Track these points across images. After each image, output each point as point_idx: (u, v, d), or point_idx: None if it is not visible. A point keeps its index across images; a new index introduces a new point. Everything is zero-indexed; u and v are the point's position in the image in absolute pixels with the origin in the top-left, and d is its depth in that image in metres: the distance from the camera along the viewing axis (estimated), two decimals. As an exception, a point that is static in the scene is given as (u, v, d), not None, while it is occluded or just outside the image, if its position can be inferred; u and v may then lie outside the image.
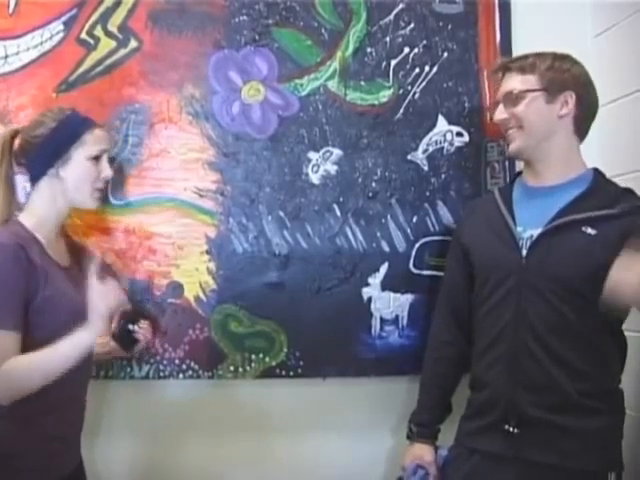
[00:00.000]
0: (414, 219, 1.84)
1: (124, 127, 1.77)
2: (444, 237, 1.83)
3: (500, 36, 1.88)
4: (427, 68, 1.85)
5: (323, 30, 1.83)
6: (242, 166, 1.80)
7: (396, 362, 1.82)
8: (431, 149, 1.85)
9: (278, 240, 1.80)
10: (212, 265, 1.78)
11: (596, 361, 1.44)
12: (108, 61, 1.77)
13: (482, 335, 1.56)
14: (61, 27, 1.76)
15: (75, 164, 1.47)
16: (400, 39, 1.85)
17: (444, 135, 1.86)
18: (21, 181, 1.55)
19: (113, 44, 1.78)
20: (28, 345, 1.33)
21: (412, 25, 1.85)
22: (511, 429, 1.46)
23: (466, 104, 1.86)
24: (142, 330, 1.57)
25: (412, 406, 1.73)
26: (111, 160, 1.57)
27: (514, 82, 1.53)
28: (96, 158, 1.50)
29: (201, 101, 1.79)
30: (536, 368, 1.45)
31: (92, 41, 1.77)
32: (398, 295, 1.82)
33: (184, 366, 1.76)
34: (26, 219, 1.45)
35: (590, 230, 1.44)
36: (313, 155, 1.82)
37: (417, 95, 1.85)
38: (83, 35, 1.77)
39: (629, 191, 1.50)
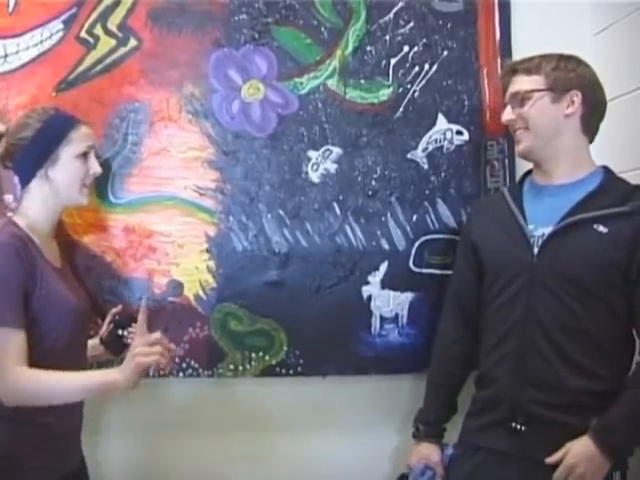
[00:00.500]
0: (414, 217, 1.84)
1: (124, 126, 1.77)
2: (444, 235, 1.84)
3: (500, 34, 1.88)
4: (427, 66, 1.85)
5: (323, 29, 1.83)
6: (242, 164, 1.80)
7: (396, 360, 1.82)
8: (431, 147, 1.85)
9: (278, 238, 1.80)
10: (212, 263, 1.78)
11: (604, 361, 1.44)
12: (108, 60, 1.78)
13: (490, 332, 1.56)
14: (61, 26, 1.76)
15: (63, 163, 1.47)
16: (400, 37, 1.85)
17: (444, 133, 1.86)
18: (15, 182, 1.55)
19: (113, 43, 1.78)
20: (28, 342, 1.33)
21: (412, 23, 1.85)
22: (518, 427, 1.46)
23: (466, 102, 1.86)
24: (132, 335, 1.54)
25: (412, 404, 1.73)
26: (97, 156, 1.56)
27: (520, 83, 1.53)
28: (84, 155, 1.49)
29: (201, 100, 1.80)
30: (544, 366, 1.45)
31: (92, 40, 1.77)
32: (398, 293, 1.82)
33: (184, 365, 1.77)
34: (20, 220, 1.45)
35: (602, 228, 1.44)
36: (313, 153, 1.82)
37: (417, 93, 1.85)
38: (83, 34, 1.77)
39: None
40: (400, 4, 1.85)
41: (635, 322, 1.45)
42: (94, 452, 1.71)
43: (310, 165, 1.82)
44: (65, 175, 1.47)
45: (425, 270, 1.84)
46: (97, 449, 1.75)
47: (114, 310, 1.68)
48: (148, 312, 1.39)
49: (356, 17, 1.84)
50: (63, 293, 1.43)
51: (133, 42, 1.78)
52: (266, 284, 1.79)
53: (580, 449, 1.38)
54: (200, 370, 1.77)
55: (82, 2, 1.77)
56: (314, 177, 1.82)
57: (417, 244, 1.83)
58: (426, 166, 1.85)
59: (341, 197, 1.83)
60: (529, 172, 1.64)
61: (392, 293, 1.82)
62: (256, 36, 1.82)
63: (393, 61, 1.85)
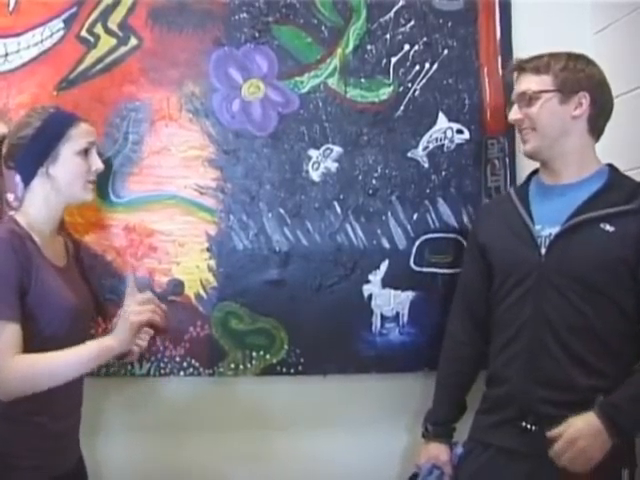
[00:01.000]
0: (414, 216, 1.84)
1: (124, 125, 1.77)
2: (444, 234, 1.84)
3: (500, 33, 1.88)
4: (427, 65, 1.85)
5: (323, 27, 1.83)
6: (242, 163, 1.80)
7: (396, 359, 1.82)
8: (431, 146, 1.86)
9: (278, 237, 1.81)
10: (212, 262, 1.78)
11: (613, 360, 1.44)
12: (108, 59, 1.77)
13: (500, 332, 1.56)
14: (61, 25, 1.76)
15: (64, 160, 1.47)
16: (400, 36, 1.85)
17: (444, 132, 1.86)
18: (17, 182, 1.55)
19: (113, 42, 1.78)
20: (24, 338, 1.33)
21: (412, 22, 1.85)
22: (528, 426, 1.46)
23: (466, 101, 1.86)
24: (137, 340, 1.52)
25: (412, 403, 1.73)
26: (100, 153, 1.56)
27: (528, 82, 1.53)
28: (85, 152, 1.49)
29: (201, 98, 1.80)
30: (553, 366, 1.45)
31: (92, 39, 1.77)
32: (399, 292, 1.82)
33: (185, 363, 1.77)
34: (20, 218, 1.45)
35: (609, 227, 1.44)
36: (313, 152, 1.82)
37: (417, 92, 1.85)
38: (83, 33, 1.77)
39: None
40: (400, 3, 1.85)
41: None
42: (93, 451, 1.71)
43: (311, 164, 1.82)
44: (66, 172, 1.47)
45: (426, 269, 1.84)
46: (96, 448, 1.75)
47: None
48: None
49: (356, 16, 1.84)
50: (60, 292, 1.42)
51: (134, 41, 1.78)
52: (267, 283, 1.80)
53: (583, 424, 1.36)
54: (201, 369, 1.77)
55: (83, 1, 1.77)
56: (315, 176, 1.82)
57: (418, 243, 1.84)
58: (427, 165, 1.85)
59: (342, 196, 1.83)
60: (535, 172, 1.64)
61: (393, 292, 1.82)
62: (256, 35, 1.82)
63: (393, 60, 1.85)
